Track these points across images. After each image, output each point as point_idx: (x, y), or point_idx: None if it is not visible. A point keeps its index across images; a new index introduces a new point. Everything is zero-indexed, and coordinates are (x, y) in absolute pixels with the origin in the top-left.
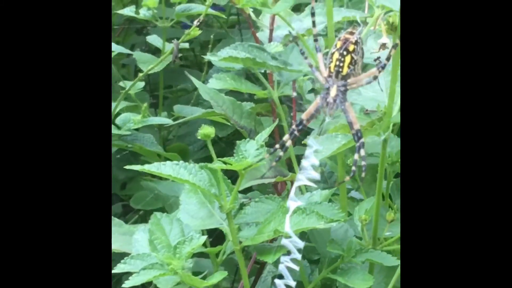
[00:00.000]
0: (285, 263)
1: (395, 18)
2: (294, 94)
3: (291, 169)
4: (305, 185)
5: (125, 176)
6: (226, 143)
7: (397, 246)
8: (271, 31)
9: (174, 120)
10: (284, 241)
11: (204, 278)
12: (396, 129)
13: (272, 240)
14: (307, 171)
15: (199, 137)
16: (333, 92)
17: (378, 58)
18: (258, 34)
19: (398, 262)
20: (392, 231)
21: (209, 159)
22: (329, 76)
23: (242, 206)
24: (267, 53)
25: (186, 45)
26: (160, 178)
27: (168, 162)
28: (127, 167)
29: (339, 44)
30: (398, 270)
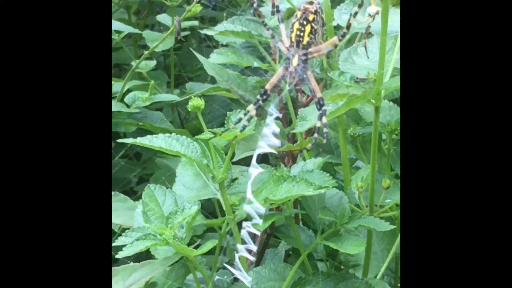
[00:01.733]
0: (247, 228)
1: None
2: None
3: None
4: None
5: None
6: None
7: (394, 213)
8: (273, 4)
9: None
10: (246, 207)
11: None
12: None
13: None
14: (268, 138)
15: (189, 109)
16: (294, 61)
17: (369, 27)
18: (262, 9)
19: (392, 227)
20: (391, 198)
21: None
22: (291, 46)
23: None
24: (264, 26)
25: (196, 22)
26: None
27: (160, 134)
28: (119, 140)
29: (299, 14)
30: (399, 238)
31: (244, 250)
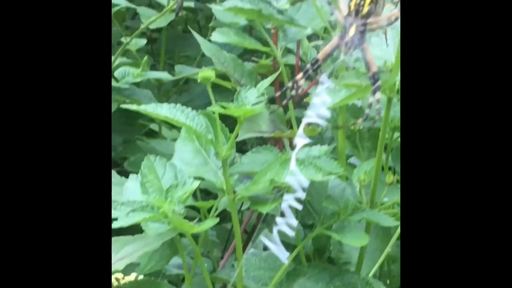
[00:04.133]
0: (288, 201)
1: None
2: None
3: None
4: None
5: (121, 139)
6: None
7: (394, 211)
8: None
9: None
10: (288, 178)
11: None
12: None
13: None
14: (318, 108)
15: (199, 81)
16: (351, 31)
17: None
18: None
19: (396, 223)
20: (390, 197)
21: None
22: (349, 14)
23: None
24: (273, 8)
25: (191, 3)
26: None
27: (165, 104)
28: (123, 106)
29: None
30: (394, 237)
31: (284, 224)
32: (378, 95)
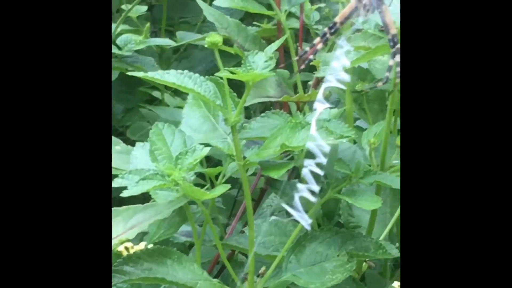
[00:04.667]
0: (309, 167)
1: None
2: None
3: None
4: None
5: (123, 107)
6: None
7: None
8: None
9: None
10: (309, 144)
11: None
12: None
13: None
14: (337, 72)
15: (206, 46)
16: None
17: None
18: None
19: None
20: (399, 160)
21: None
22: None
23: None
24: None
25: None
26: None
27: (172, 70)
28: (129, 73)
29: None
30: None
31: (306, 190)
32: (398, 57)
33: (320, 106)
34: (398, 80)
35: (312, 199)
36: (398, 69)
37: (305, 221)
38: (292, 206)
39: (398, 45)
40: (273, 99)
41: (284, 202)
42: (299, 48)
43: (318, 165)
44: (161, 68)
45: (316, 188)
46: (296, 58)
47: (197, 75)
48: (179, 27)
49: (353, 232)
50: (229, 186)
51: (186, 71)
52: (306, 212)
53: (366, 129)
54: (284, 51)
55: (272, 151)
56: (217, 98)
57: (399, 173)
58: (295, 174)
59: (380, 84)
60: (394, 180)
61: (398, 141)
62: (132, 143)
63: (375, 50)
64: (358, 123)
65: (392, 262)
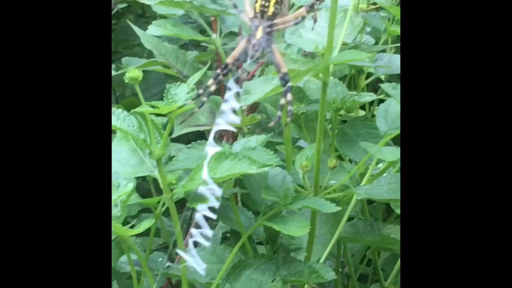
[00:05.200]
0: (202, 211)
1: None
2: (240, 37)
3: None
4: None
5: None
6: None
7: (339, 194)
8: None
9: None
10: (201, 189)
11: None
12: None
13: None
14: (227, 115)
15: (126, 81)
16: (258, 33)
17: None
18: None
19: (338, 208)
20: (336, 179)
21: None
22: (255, 16)
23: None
24: None
25: None
26: None
27: None
28: None
29: None
30: (344, 219)
31: (199, 235)
32: (290, 96)
33: (212, 150)
34: (290, 119)
35: (206, 243)
36: (290, 107)
37: (200, 266)
38: (186, 252)
39: (290, 83)
40: (203, 128)
41: (179, 247)
42: (239, 70)
43: (211, 209)
44: (114, 93)
45: (209, 232)
46: (189, 101)
47: (120, 110)
48: (132, 49)
49: (288, 257)
50: (153, 220)
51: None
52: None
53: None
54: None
55: (197, 183)
56: (142, 132)
57: (333, 195)
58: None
59: (272, 123)
60: (323, 204)
61: (330, 162)
62: None
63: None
64: (301, 143)
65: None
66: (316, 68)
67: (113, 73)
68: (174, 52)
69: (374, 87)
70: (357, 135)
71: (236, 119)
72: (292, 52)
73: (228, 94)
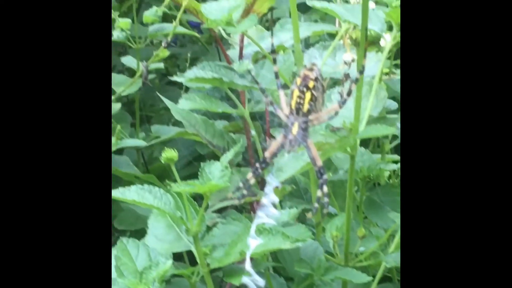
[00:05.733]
0: None
1: (358, 33)
2: (269, 105)
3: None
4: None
5: None
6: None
7: (371, 262)
8: (241, 48)
9: (150, 140)
10: (244, 280)
11: None
12: (367, 143)
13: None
14: (267, 208)
15: (162, 161)
16: (294, 129)
17: (348, 74)
18: (230, 52)
19: (369, 278)
20: (365, 246)
21: (196, 176)
22: (291, 113)
23: (209, 228)
24: (234, 72)
25: (161, 65)
26: None
27: (133, 186)
28: None
29: (299, 81)
30: (374, 284)
31: None
32: (325, 188)
33: (254, 242)
34: (327, 211)
35: None
36: (326, 200)
37: None
38: None
39: (325, 176)
40: (236, 202)
41: None
42: (266, 138)
43: None
44: (139, 161)
45: None
46: (229, 195)
47: (157, 188)
48: (159, 113)
49: None
50: None
51: (146, 185)
52: None
53: (336, 214)
54: (252, 146)
55: (233, 258)
56: (178, 209)
57: (364, 263)
58: None
59: (309, 215)
60: (355, 275)
61: (360, 232)
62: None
63: (332, 149)
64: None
65: None
66: (344, 144)
67: (144, 143)
68: (204, 122)
69: (397, 149)
70: (385, 202)
71: (277, 213)
72: (321, 128)
73: (268, 188)
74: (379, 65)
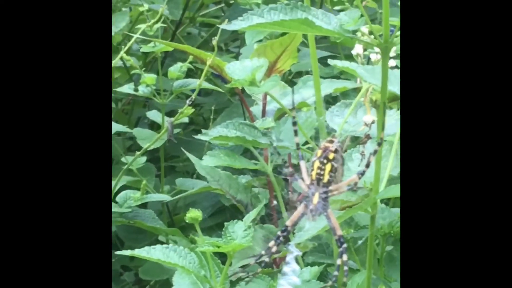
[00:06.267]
0: None
1: (378, 96)
2: (290, 169)
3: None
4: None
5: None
6: (232, 211)
7: None
8: (264, 105)
9: (176, 194)
10: None
11: None
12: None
13: None
14: (289, 277)
15: (187, 221)
16: (315, 199)
17: (368, 135)
18: (253, 108)
19: None
20: None
21: (221, 226)
22: (311, 183)
23: (233, 284)
24: (257, 130)
25: (186, 119)
26: None
27: (158, 246)
28: (117, 252)
29: (319, 152)
30: None
31: None
32: (345, 257)
33: None
34: (347, 279)
35: None
36: (346, 268)
37: None
38: None
39: (345, 245)
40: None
41: None
42: (289, 193)
43: None
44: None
45: None
46: (252, 262)
47: (181, 248)
48: (184, 163)
49: None
50: None
51: (171, 245)
52: None
53: (357, 270)
54: (275, 199)
55: None
56: (202, 267)
57: None
58: None
59: (329, 285)
60: None
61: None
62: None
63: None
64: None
65: None
66: (365, 205)
67: (169, 197)
68: (228, 178)
69: None
70: None
71: (298, 281)
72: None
73: (289, 257)
74: (399, 124)
